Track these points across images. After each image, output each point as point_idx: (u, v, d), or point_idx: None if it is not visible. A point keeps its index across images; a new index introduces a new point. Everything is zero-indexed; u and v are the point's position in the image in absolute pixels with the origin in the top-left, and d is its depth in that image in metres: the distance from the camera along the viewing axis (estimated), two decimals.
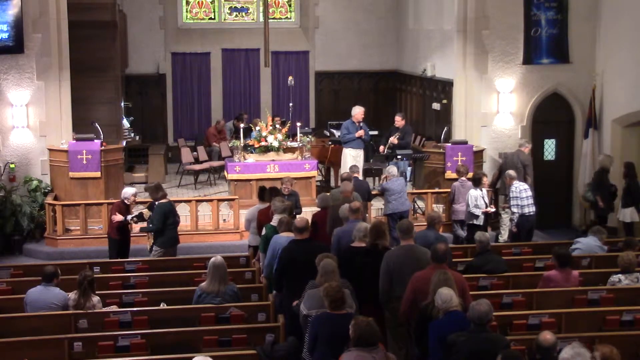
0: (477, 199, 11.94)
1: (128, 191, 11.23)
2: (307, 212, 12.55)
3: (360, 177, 12.62)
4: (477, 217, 11.92)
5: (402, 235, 8.11)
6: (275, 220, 9.43)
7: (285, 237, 8.79)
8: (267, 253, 8.96)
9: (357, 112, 14.49)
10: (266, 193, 10.77)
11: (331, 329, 6.50)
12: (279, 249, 8.55)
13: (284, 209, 9.48)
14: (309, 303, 7.18)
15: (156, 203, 10.72)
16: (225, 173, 14.74)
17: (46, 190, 13.52)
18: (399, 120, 14.76)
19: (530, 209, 12.17)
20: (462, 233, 12.28)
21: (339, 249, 8.83)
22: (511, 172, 12.56)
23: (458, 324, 6.40)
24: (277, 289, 8.50)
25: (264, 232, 9.57)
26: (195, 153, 16.82)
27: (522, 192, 12.17)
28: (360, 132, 14.33)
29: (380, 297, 7.93)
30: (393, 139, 14.39)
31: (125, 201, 11.12)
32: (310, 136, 15.74)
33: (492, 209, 12.26)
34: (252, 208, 11.01)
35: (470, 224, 12.02)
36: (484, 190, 12.13)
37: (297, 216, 9.15)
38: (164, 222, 10.57)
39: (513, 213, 12.24)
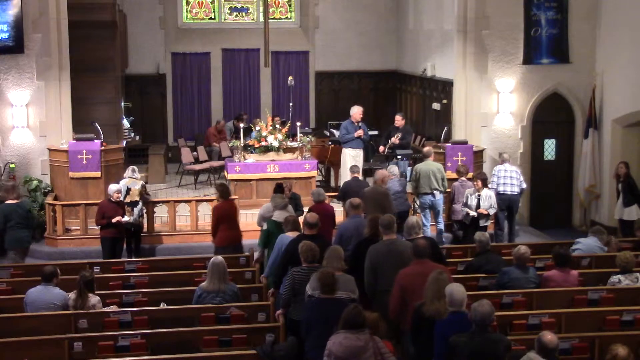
0: (468, 199, 11.99)
1: (112, 188, 11.48)
2: None
3: (360, 177, 12.61)
4: (465, 215, 12.03)
5: (384, 230, 8.38)
6: (276, 215, 9.62)
7: (291, 236, 8.87)
8: (273, 252, 9.03)
9: (355, 111, 14.48)
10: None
11: (321, 314, 6.73)
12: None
13: (284, 205, 9.78)
14: (314, 284, 7.39)
15: None
16: (225, 173, 14.74)
17: (46, 190, 13.52)
18: (399, 120, 14.76)
19: (507, 188, 12.87)
20: (460, 233, 12.32)
21: (340, 244, 9.06)
22: (505, 155, 13.34)
23: (463, 324, 6.40)
24: (276, 284, 8.56)
25: (265, 226, 9.72)
26: (195, 153, 16.82)
27: (500, 172, 12.97)
28: (360, 132, 14.32)
29: (366, 290, 8.14)
30: (395, 139, 14.38)
31: (111, 199, 11.36)
32: (310, 136, 15.74)
33: (483, 212, 11.87)
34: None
35: (463, 224, 12.16)
36: (487, 192, 12.08)
37: (308, 213, 9.27)
38: (5, 224, 11.00)
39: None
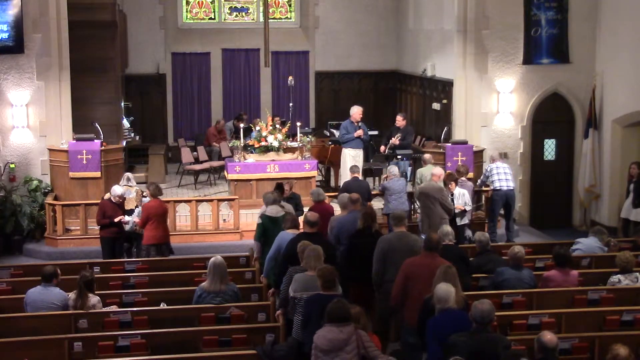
0: None
1: (117, 191, 11.37)
2: None
3: (360, 177, 12.61)
4: None
5: (395, 222, 8.59)
6: (269, 210, 9.94)
7: (291, 233, 9.02)
8: (271, 248, 9.15)
9: (355, 111, 14.48)
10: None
11: (321, 309, 6.78)
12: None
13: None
14: (295, 286, 7.59)
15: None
16: (225, 173, 14.75)
17: (46, 190, 13.52)
18: (400, 120, 14.75)
19: (502, 184, 12.90)
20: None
21: (337, 237, 9.38)
22: (494, 154, 13.47)
23: (454, 322, 6.44)
24: (276, 281, 8.63)
25: (259, 220, 10.00)
26: (195, 153, 16.83)
27: (493, 169, 13.01)
28: (359, 132, 14.32)
29: (373, 280, 8.34)
30: (395, 140, 14.38)
31: (112, 199, 11.31)
32: (310, 136, 15.74)
33: (460, 208, 11.82)
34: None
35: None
36: (460, 190, 12.07)
37: (309, 212, 9.36)
38: None
39: (480, 185, 13.36)
